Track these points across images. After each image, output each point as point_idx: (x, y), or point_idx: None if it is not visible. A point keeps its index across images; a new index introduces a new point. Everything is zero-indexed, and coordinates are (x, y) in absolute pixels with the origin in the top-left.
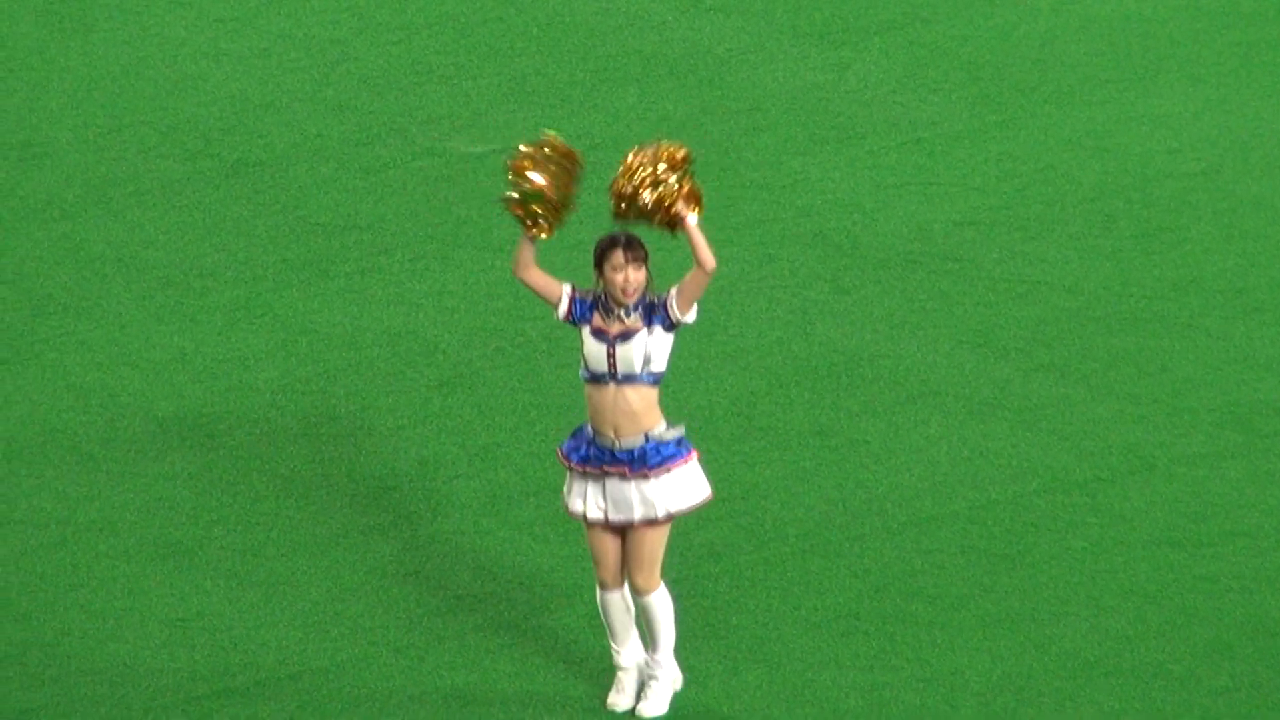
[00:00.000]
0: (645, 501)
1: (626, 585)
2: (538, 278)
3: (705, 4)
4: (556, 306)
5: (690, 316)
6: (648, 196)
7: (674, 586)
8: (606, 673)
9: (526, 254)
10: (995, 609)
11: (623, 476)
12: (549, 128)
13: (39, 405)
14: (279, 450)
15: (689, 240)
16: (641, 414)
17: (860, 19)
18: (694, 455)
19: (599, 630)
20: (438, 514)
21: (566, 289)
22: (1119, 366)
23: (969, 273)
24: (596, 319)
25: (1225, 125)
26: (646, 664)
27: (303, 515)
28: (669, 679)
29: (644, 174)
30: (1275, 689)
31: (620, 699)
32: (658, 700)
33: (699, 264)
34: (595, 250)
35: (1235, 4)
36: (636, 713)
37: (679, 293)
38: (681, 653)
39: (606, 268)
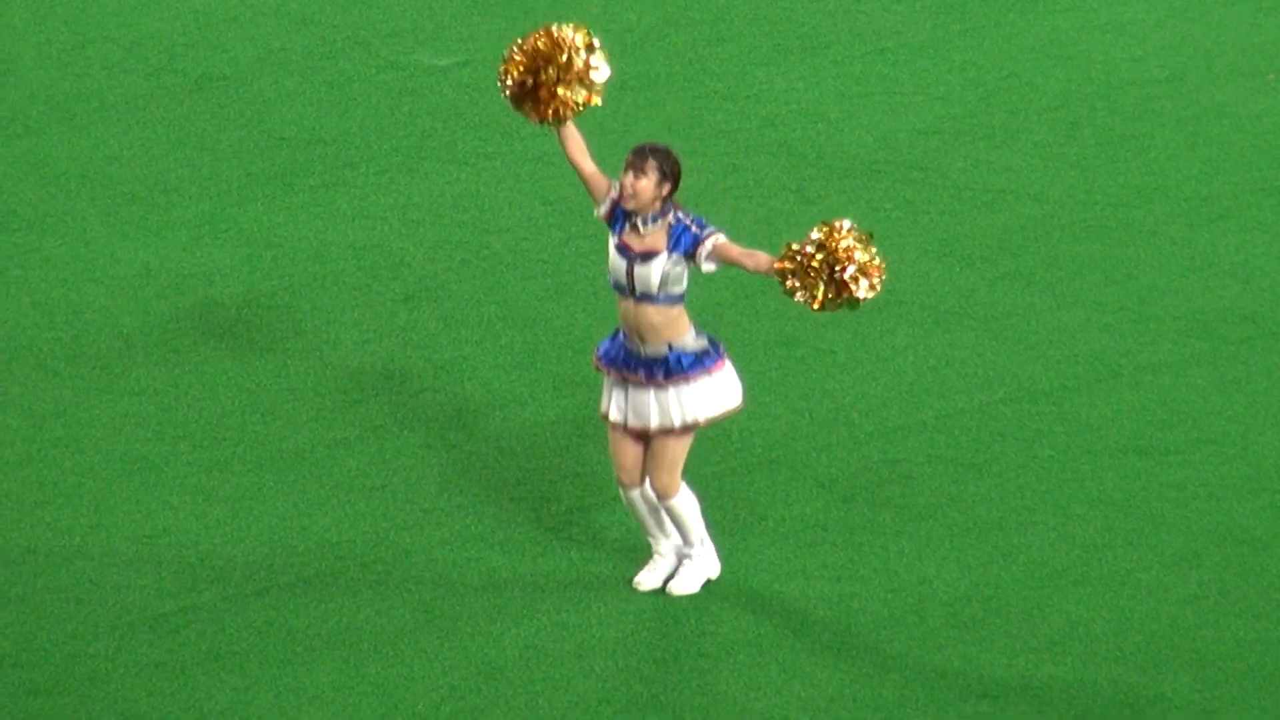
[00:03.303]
0: (662, 410)
1: (644, 484)
2: (584, 164)
3: None
4: (598, 203)
5: (708, 267)
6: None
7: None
8: (573, 585)
9: (561, 139)
10: (962, 518)
11: (639, 384)
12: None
13: (3, 322)
14: (244, 365)
15: (761, 265)
16: (663, 327)
17: None
18: (723, 364)
19: (566, 542)
20: (404, 428)
21: (614, 190)
22: (1084, 275)
23: (934, 182)
24: (626, 230)
25: (1188, 32)
26: (682, 547)
27: (268, 430)
28: (703, 562)
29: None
30: (1243, 596)
31: (647, 578)
32: (689, 579)
33: (746, 263)
34: None
35: None
36: (668, 589)
37: (719, 247)
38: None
39: (621, 169)
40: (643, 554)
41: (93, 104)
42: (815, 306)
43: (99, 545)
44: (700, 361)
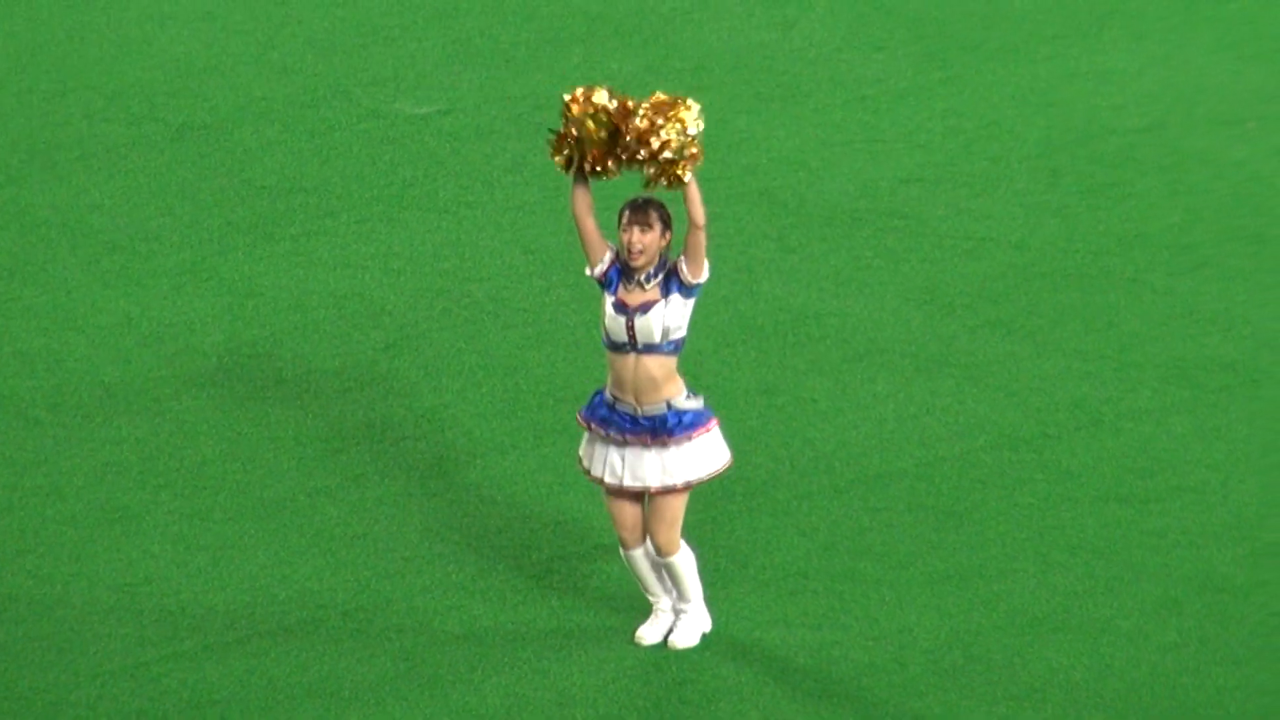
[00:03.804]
0: (665, 470)
1: (647, 542)
2: (589, 224)
3: None
4: (594, 264)
5: (703, 276)
6: (662, 142)
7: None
8: (554, 634)
9: (575, 194)
10: (943, 566)
11: (644, 445)
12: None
13: None
14: (225, 414)
15: (686, 196)
16: (662, 381)
17: None
18: (714, 423)
19: (547, 591)
20: (385, 476)
21: (610, 253)
22: (1065, 322)
23: (915, 230)
24: (621, 289)
25: (1169, 80)
26: (677, 603)
27: (250, 479)
28: (698, 615)
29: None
30: (1223, 644)
31: (649, 633)
32: (688, 633)
33: (691, 220)
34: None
35: None
36: (670, 643)
37: (685, 255)
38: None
39: (619, 229)
40: (625, 602)
41: (74, 152)
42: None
43: (80, 594)
44: (698, 420)
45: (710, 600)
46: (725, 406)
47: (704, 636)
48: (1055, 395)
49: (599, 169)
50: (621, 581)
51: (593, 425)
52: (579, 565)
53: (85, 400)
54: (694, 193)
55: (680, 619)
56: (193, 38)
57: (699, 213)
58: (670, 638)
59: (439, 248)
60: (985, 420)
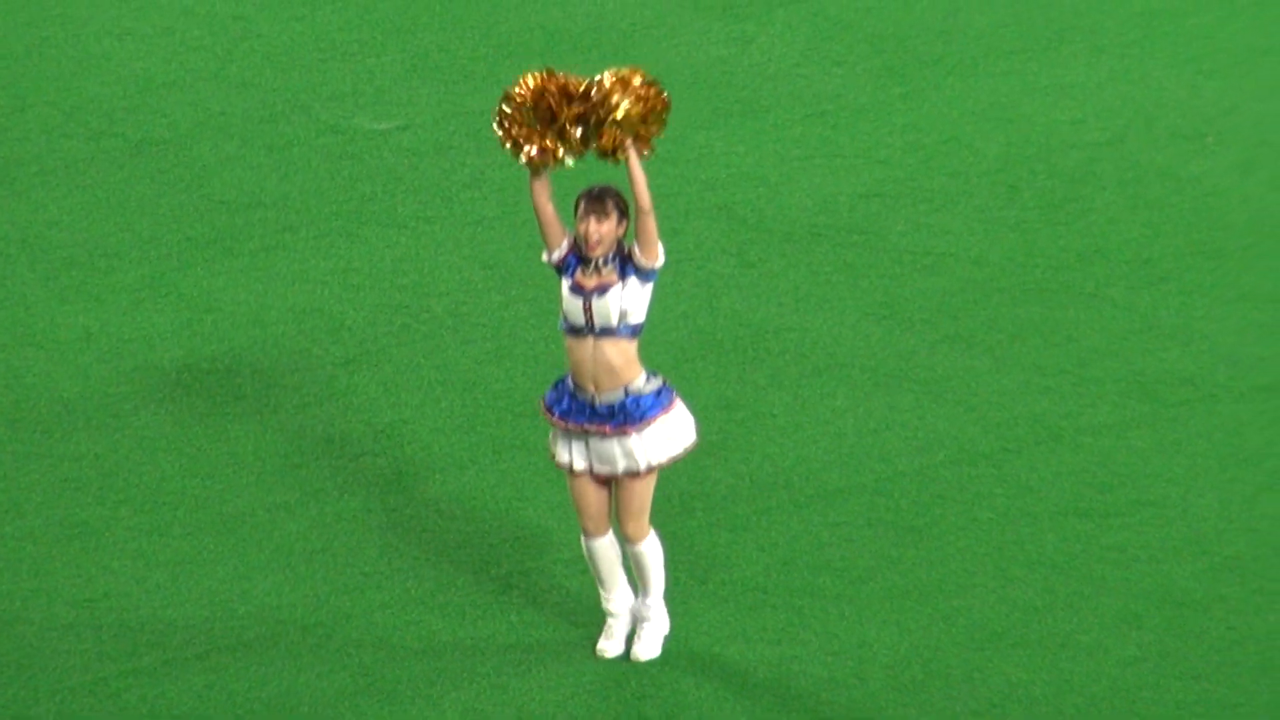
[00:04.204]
0: (628, 454)
1: (610, 532)
2: (549, 211)
3: None
4: (551, 250)
5: (658, 261)
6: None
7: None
8: (514, 649)
9: (533, 184)
10: (902, 581)
11: (604, 435)
12: (518, 88)
13: None
14: (184, 429)
15: (631, 180)
16: (621, 368)
17: None
18: (676, 403)
19: (506, 605)
20: (344, 491)
21: (568, 240)
22: (1025, 337)
23: (874, 245)
24: (579, 273)
25: (1128, 95)
26: (638, 608)
27: (209, 494)
28: (659, 621)
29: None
30: (1183, 658)
31: (610, 645)
32: (651, 642)
33: (637, 204)
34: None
35: None
36: (633, 655)
37: (636, 242)
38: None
39: (576, 218)
40: (585, 616)
41: (32, 168)
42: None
43: (39, 609)
44: (657, 402)
45: (670, 614)
46: None
47: (664, 640)
48: (1014, 410)
49: (547, 152)
50: (581, 596)
51: (554, 418)
52: (538, 580)
53: (44, 416)
54: (639, 176)
55: (644, 628)
56: (151, 53)
57: (645, 197)
58: (634, 649)
59: (398, 263)
60: (944, 435)
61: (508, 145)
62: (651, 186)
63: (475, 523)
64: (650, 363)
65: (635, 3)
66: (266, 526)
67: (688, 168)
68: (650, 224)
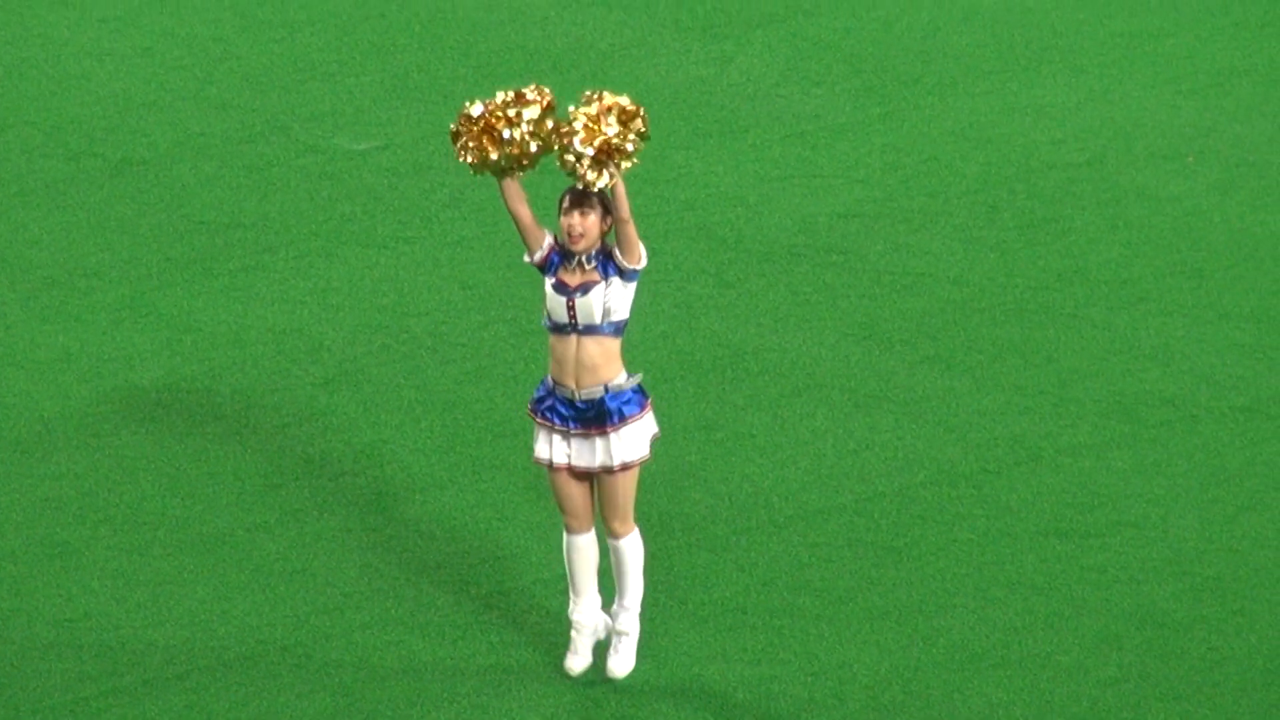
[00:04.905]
0: (606, 452)
1: (592, 531)
2: (523, 213)
3: None
4: (533, 251)
5: (640, 262)
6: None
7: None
8: (493, 670)
9: (504, 187)
10: (882, 602)
11: (585, 435)
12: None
13: None
14: (164, 449)
15: (613, 192)
16: (602, 365)
17: (742, 12)
18: (649, 402)
19: (486, 626)
20: (324, 511)
21: (549, 239)
22: (1004, 358)
23: (853, 265)
24: (562, 271)
25: (1108, 115)
26: (610, 621)
27: (189, 514)
28: (631, 631)
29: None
30: (1163, 678)
31: (576, 661)
32: (627, 655)
33: (616, 215)
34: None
35: None
36: (608, 670)
37: (617, 246)
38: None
39: (560, 214)
40: (564, 638)
41: (12, 188)
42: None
43: (19, 630)
44: (635, 401)
45: (648, 636)
46: (664, 442)
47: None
48: (994, 430)
49: (519, 162)
50: (561, 617)
51: (538, 417)
52: (518, 600)
53: (23, 435)
54: (620, 189)
55: (620, 642)
56: (131, 74)
57: (624, 208)
58: (609, 663)
59: (377, 283)
60: (924, 456)
61: (466, 158)
62: (630, 205)
63: (455, 543)
64: None
65: (615, 23)
66: (246, 546)
67: (666, 187)
68: (631, 231)
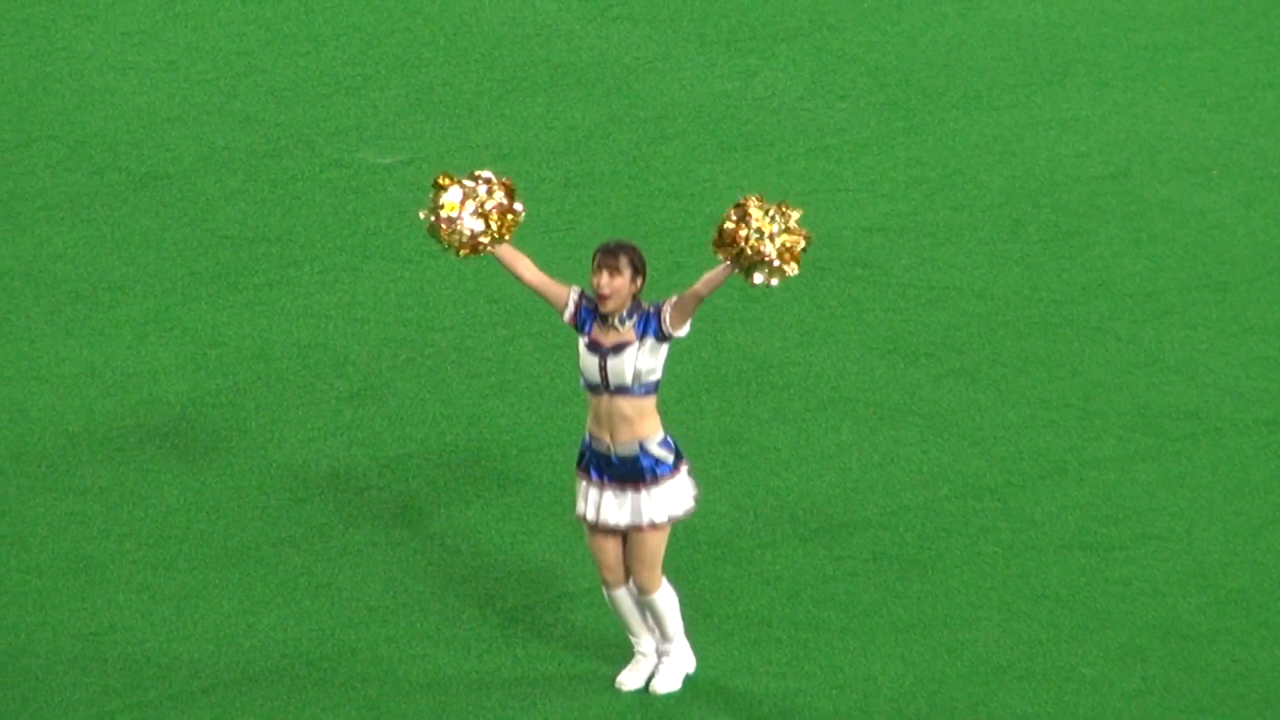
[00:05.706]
0: (635, 510)
1: (628, 582)
2: (527, 277)
3: (612, 13)
4: (560, 310)
5: (682, 331)
6: (769, 249)
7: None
8: (519, 683)
9: (502, 259)
10: (907, 615)
11: (619, 489)
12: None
13: None
14: (189, 463)
15: (716, 274)
16: (635, 421)
17: (767, 26)
18: (684, 466)
19: (512, 639)
20: (349, 525)
21: (573, 294)
22: (1029, 371)
23: (878, 279)
24: (595, 329)
25: (1132, 129)
26: (659, 647)
27: (214, 528)
28: (681, 659)
29: (767, 227)
30: (1187, 692)
31: (630, 678)
32: (670, 677)
33: (698, 287)
34: None
35: (1141, 8)
36: (651, 687)
37: (674, 306)
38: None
39: (591, 273)
40: (590, 650)
41: (37, 203)
42: (790, 273)
43: (45, 644)
44: (669, 463)
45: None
46: (690, 455)
47: (687, 677)
48: (1019, 444)
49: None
50: (586, 630)
51: (580, 471)
52: (544, 614)
53: (49, 450)
54: (723, 276)
55: (663, 662)
56: (155, 88)
57: (712, 289)
58: (652, 683)
59: (403, 297)
60: (949, 469)
61: (458, 250)
62: (655, 219)
63: (480, 557)
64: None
65: (640, 37)
66: (271, 561)
67: (691, 201)
68: (697, 305)
